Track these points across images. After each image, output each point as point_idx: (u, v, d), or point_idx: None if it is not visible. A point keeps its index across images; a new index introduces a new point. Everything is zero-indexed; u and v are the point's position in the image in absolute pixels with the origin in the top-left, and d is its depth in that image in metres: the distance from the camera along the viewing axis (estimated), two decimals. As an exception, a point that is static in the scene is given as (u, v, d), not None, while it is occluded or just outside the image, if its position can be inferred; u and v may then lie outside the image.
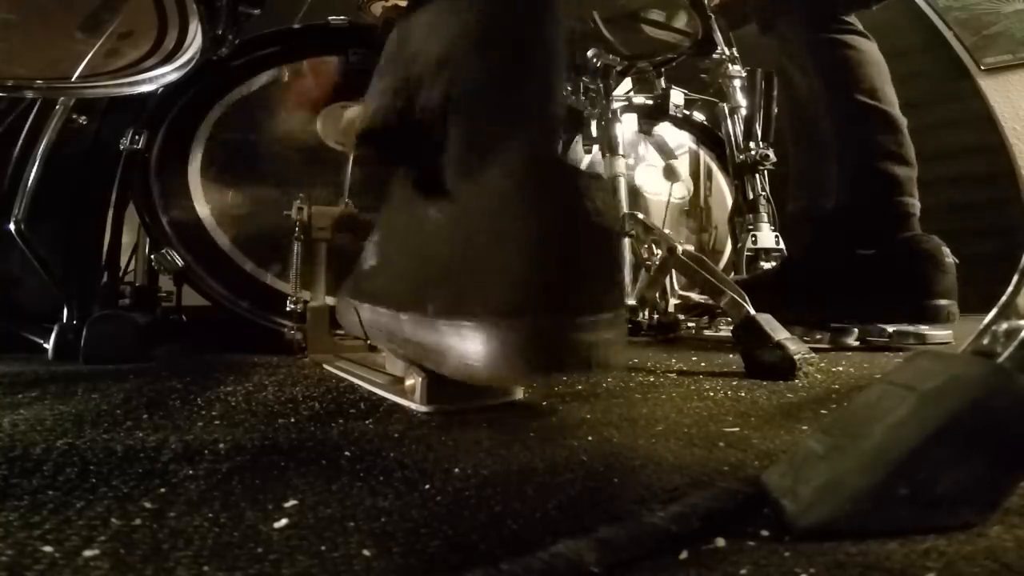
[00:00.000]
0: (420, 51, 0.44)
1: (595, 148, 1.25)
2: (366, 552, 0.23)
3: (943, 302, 0.88)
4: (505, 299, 0.34)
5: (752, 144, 1.31)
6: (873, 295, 0.90)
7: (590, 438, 0.40)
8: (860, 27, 0.99)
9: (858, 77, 0.95)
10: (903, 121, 0.95)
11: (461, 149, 0.41)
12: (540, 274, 0.34)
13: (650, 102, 1.38)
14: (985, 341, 0.27)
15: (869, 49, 0.98)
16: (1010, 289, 0.28)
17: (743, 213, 1.32)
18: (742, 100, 1.38)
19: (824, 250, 0.96)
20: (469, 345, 0.36)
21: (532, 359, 0.35)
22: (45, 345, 0.82)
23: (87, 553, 0.22)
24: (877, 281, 0.90)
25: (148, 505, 0.27)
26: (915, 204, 0.93)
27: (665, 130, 1.47)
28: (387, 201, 0.51)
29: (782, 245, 1.26)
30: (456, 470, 0.33)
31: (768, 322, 0.68)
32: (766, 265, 1.24)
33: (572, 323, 0.34)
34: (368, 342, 0.83)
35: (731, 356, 0.81)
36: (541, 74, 0.43)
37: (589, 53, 1.22)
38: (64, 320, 0.83)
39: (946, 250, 0.89)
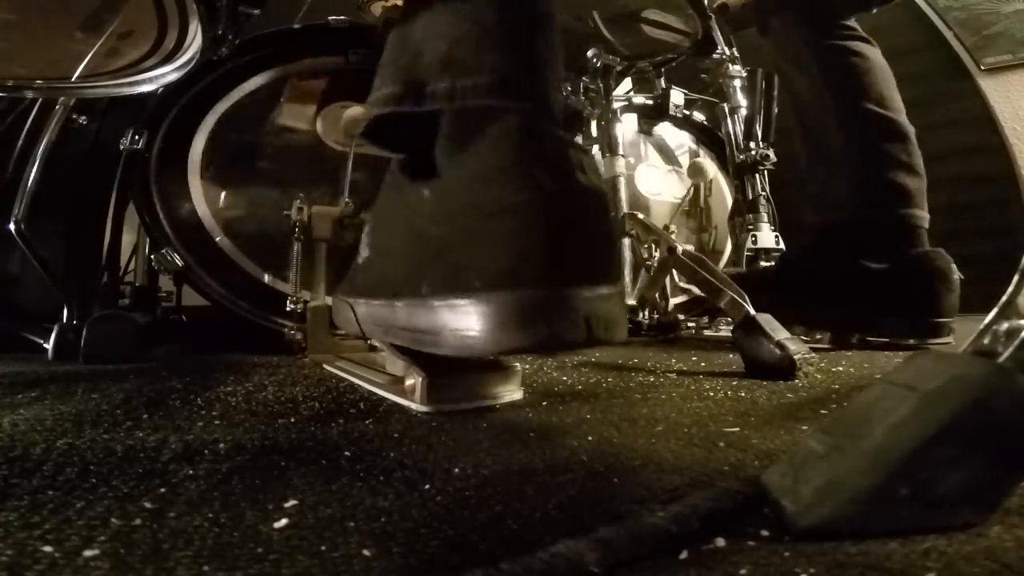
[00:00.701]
0: (422, 49, 0.45)
1: (595, 148, 1.25)
2: (366, 552, 0.23)
3: (945, 320, 0.88)
4: (500, 271, 0.34)
5: (752, 144, 1.31)
6: (877, 308, 0.90)
7: (590, 438, 0.40)
8: (863, 32, 0.99)
9: (865, 85, 0.95)
10: (911, 130, 0.94)
11: (452, 130, 0.41)
12: (535, 245, 0.34)
13: (650, 102, 1.38)
14: (986, 341, 0.27)
15: (874, 56, 0.97)
16: (1010, 289, 0.28)
17: (743, 213, 1.32)
18: (742, 100, 1.38)
19: (831, 260, 0.95)
20: (464, 320, 0.35)
21: (529, 331, 0.34)
22: (45, 345, 0.82)
23: (87, 553, 0.22)
24: (884, 295, 0.90)
25: (148, 505, 0.27)
26: (924, 216, 0.93)
27: (665, 130, 1.47)
28: (378, 195, 0.51)
29: (782, 245, 1.26)
30: (456, 470, 0.33)
31: (768, 322, 0.68)
32: (766, 265, 1.24)
33: (569, 294, 0.34)
34: (368, 340, 0.83)
35: (731, 356, 0.81)
36: (534, 53, 0.43)
37: (589, 53, 1.21)
38: (64, 320, 0.83)
39: (954, 267, 0.89)
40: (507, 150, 0.37)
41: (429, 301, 0.38)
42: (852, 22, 0.99)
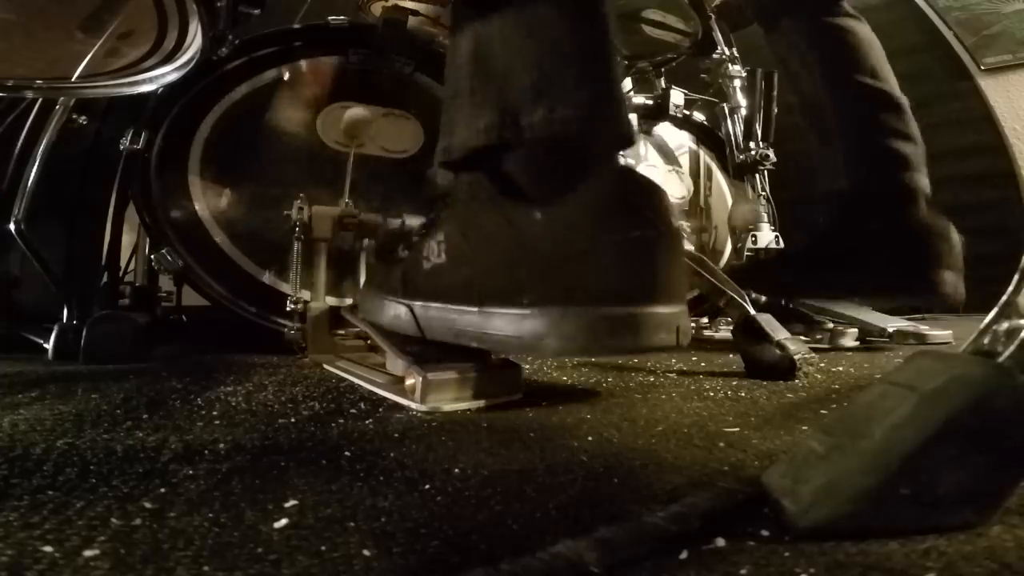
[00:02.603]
0: (509, 75, 0.50)
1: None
2: (366, 552, 0.23)
3: (948, 274, 0.88)
4: (610, 289, 0.44)
5: (752, 144, 1.31)
6: (881, 269, 0.90)
7: (590, 438, 0.40)
8: (852, 10, 1.00)
9: (857, 59, 0.96)
10: (905, 100, 0.95)
11: (553, 158, 0.49)
12: (642, 273, 0.44)
13: (650, 102, 1.38)
14: (986, 341, 0.27)
15: (863, 30, 0.99)
16: (1010, 289, 0.28)
17: (743, 213, 1.32)
18: (742, 100, 1.38)
19: (835, 229, 0.96)
20: (570, 327, 0.43)
21: (631, 335, 0.43)
22: (45, 345, 0.82)
23: (87, 553, 0.22)
24: (885, 255, 0.90)
25: (148, 505, 0.27)
26: (923, 180, 0.93)
27: (665, 130, 1.47)
28: (454, 205, 0.55)
29: (782, 245, 1.26)
30: (456, 470, 0.33)
31: (768, 322, 0.68)
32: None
33: (660, 309, 0.44)
34: (368, 341, 0.83)
35: (731, 356, 0.81)
36: (613, 85, 0.51)
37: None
38: (64, 320, 0.83)
39: (952, 227, 0.90)
40: (615, 188, 0.46)
41: (533, 310, 0.45)
42: (843, 2, 1.00)
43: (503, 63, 0.51)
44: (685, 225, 1.09)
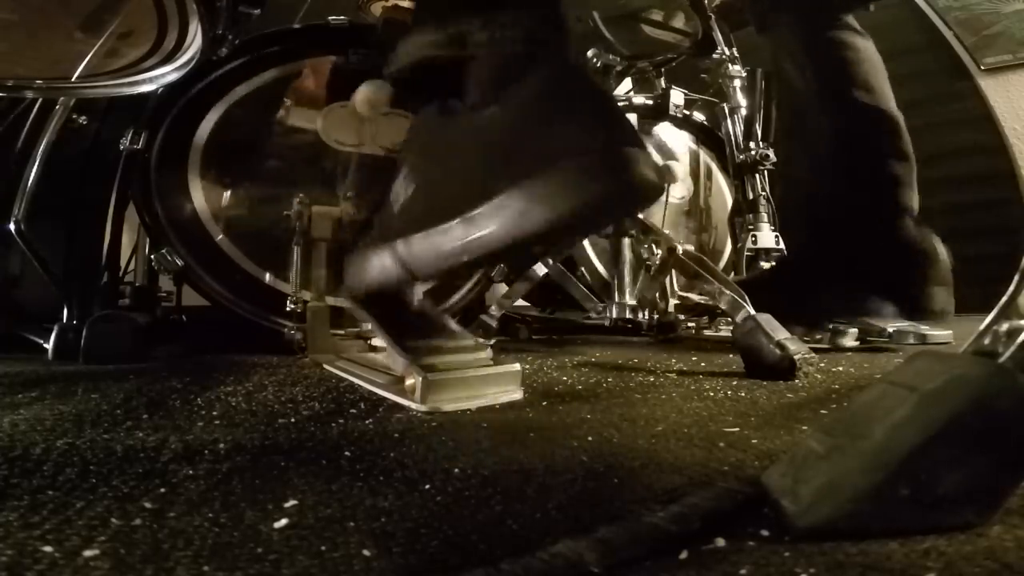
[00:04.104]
0: (453, 7, 0.54)
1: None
2: (366, 552, 0.23)
3: (938, 290, 0.88)
4: (585, 142, 0.44)
5: (752, 144, 1.31)
6: (870, 289, 0.90)
7: (590, 438, 0.40)
8: (857, 25, 1.00)
9: (855, 75, 0.96)
10: (900, 117, 0.95)
11: (498, 72, 0.51)
12: (605, 123, 0.46)
13: (650, 102, 1.38)
14: (986, 341, 0.27)
15: (865, 47, 0.98)
16: (1011, 289, 0.28)
17: (743, 213, 1.32)
18: (742, 100, 1.38)
19: (823, 247, 0.96)
20: (558, 187, 0.44)
21: (619, 172, 0.44)
22: (45, 345, 0.82)
23: (87, 553, 0.22)
24: (874, 275, 0.90)
25: (148, 505, 0.27)
26: (913, 197, 0.93)
27: (665, 130, 1.47)
28: (413, 137, 0.57)
29: (782, 245, 1.26)
30: (456, 470, 0.33)
31: (768, 322, 0.68)
32: (766, 265, 1.24)
33: (634, 150, 0.45)
34: (369, 341, 0.83)
35: (731, 356, 0.80)
36: (556, 8, 0.54)
37: (589, 53, 1.21)
38: (64, 320, 0.83)
39: (940, 243, 0.89)
40: (566, 70, 0.49)
41: (513, 191, 0.45)
42: (848, 17, 1.00)
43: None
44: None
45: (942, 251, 0.89)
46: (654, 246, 0.94)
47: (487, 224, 0.46)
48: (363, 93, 0.92)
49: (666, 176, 0.48)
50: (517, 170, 0.45)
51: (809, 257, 0.98)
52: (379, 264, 0.56)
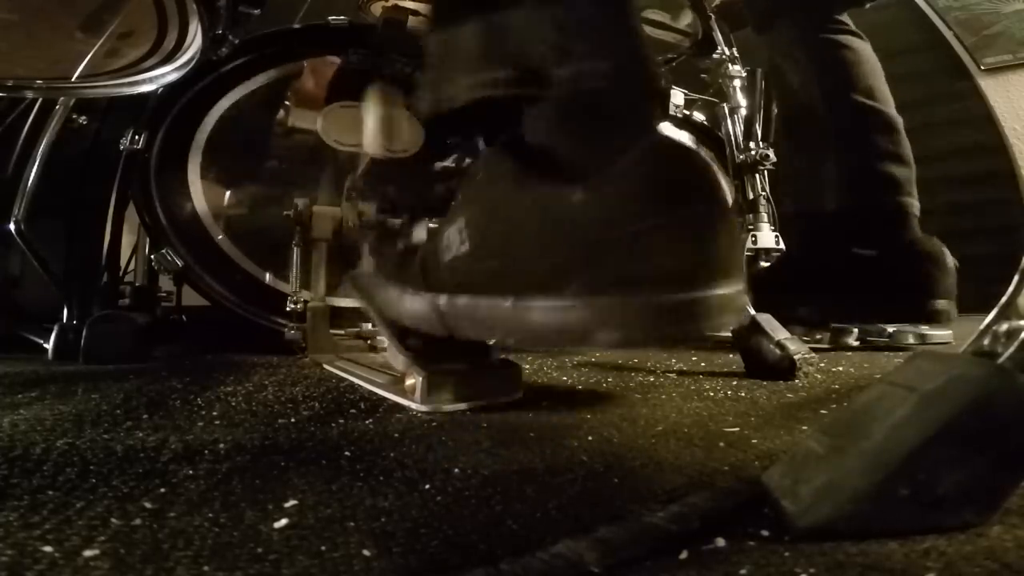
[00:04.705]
0: (525, 35, 0.47)
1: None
2: (366, 552, 0.23)
3: (942, 303, 0.88)
4: (668, 272, 0.40)
5: (752, 144, 1.31)
6: (873, 295, 0.90)
7: (590, 438, 0.40)
8: (853, 27, 0.99)
9: (854, 77, 0.95)
10: (900, 121, 0.95)
11: (585, 126, 0.46)
12: (697, 251, 0.41)
13: (650, 102, 1.37)
14: (986, 342, 0.27)
15: (863, 49, 0.98)
16: (1010, 289, 0.28)
17: (743, 213, 1.32)
18: (742, 100, 1.38)
19: (824, 251, 0.96)
20: (627, 316, 0.40)
21: (694, 321, 0.40)
22: (45, 345, 0.82)
23: (87, 553, 0.22)
24: (877, 281, 0.90)
25: (148, 505, 0.27)
26: (914, 204, 0.93)
27: (665, 130, 1.47)
28: (473, 187, 0.51)
29: (782, 245, 1.26)
30: (456, 470, 0.33)
31: (768, 322, 0.68)
32: (766, 265, 1.24)
33: (721, 291, 0.41)
34: (370, 342, 0.83)
35: (731, 356, 0.80)
36: (638, 41, 0.49)
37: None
38: (64, 320, 0.83)
39: (947, 251, 0.89)
40: (662, 161, 0.42)
41: (577, 301, 0.41)
42: (844, 17, 0.99)
43: (516, 25, 0.47)
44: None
45: (949, 260, 0.89)
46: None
47: (541, 315, 0.43)
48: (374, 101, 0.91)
49: (742, 310, 0.43)
50: (593, 277, 0.41)
51: (811, 260, 0.97)
52: (414, 308, 0.53)
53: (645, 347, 0.45)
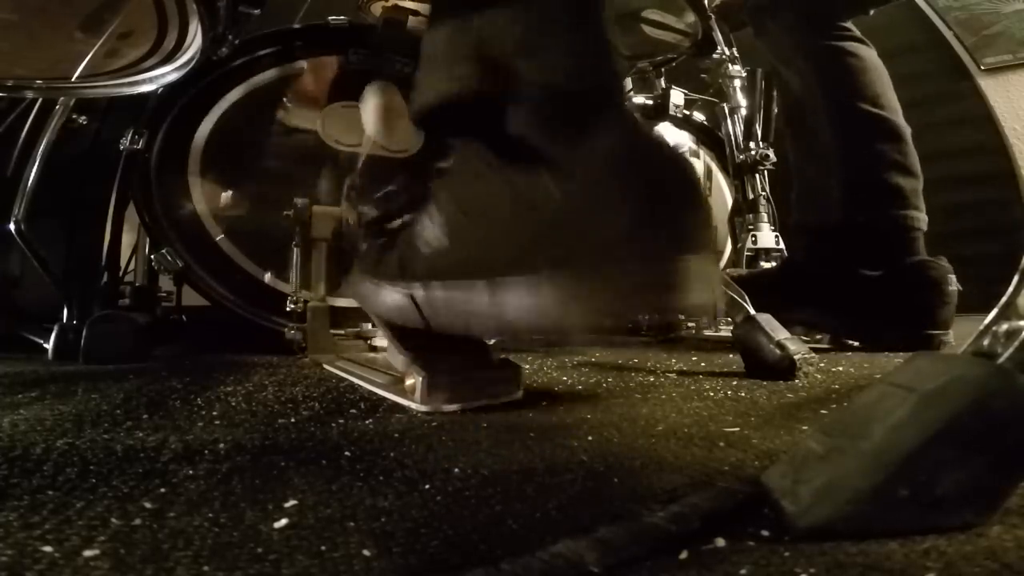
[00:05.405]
0: (493, 32, 0.48)
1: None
2: (366, 552, 0.23)
3: (938, 333, 0.87)
4: (636, 243, 0.41)
5: (752, 144, 1.31)
6: (872, 317, 0.89)
7: (590, 438, 0.40)
8: (859, 33, 0.98)
9: (860, 85, 0.93)
10: (907, 130, 0.93)
11: (553, 114, 0.46)
12: (663, 221, 0.42)
13: (650, 102, 1.38)
14: (985, 342, 0.27)
15: (869, 56, 0.96)
16: (1010, 289, 0.28)
17: (743, 213, 1.32)
18: (742, 100, 1.38)
19: (828, 264, 0.94)
20: (597, 291, 0.41)
21: (665, 292, 0.41)
22: (45, 345, 0.82)
23: (87, 553, 0.22)
24: (879, 304, 0.89)
25: (148, 505, 0.27)
26: (921, 218, 0.92)
27: (665, 130, 1.47)
28: (446, 176, 0.52)
29: (782, 245, 1.26)
30: (456, 470, 0.33)
31: (768, 322, 0.68)
32: (766, 265, 1.24)
33: (692, 258, 0.41)
34: (369, 341, 0.83)
35: (731, 356, 0.80)
36: (603, 37, 0.49)
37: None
38: (64, 320, 0.83)
39: (952, 277, 0.88)
40: (626, 139, 0.44)
41: (548, 274, 0.42)
42: (849, 24, 0.98)
43: (486, 24, 0.48)
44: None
45: (952, 285, 0.87)
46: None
47: (514, 297, 0.43)
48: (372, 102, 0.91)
49: (714, 288, 0.44)
50: (562, 252, 0.42)
51: (815, 272, 0.96)
52: (393, 301, 0.54)
53: (622, 324, 0.45)
